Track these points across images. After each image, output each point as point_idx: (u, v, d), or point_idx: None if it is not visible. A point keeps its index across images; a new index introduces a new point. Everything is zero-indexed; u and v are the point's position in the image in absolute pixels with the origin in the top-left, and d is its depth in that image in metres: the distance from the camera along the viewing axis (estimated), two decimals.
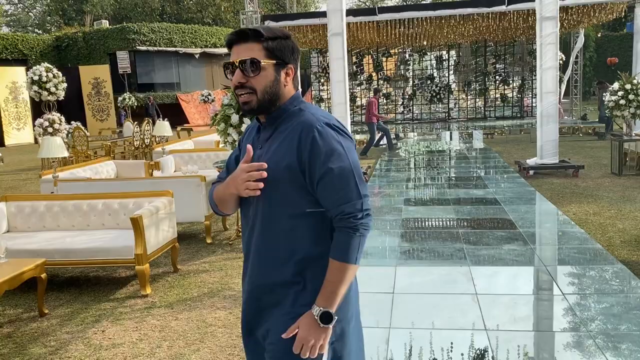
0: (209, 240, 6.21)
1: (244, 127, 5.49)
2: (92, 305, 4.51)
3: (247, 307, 1.76)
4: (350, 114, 14.50)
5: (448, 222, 6.54)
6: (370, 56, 22.35)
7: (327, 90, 21.72)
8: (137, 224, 4.57)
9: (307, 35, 16.43)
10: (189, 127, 20.38)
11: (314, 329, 1.58)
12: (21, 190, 10.16)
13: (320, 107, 23.55)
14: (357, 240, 1.58)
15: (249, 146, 1.64)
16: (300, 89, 1.85)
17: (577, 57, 18.56)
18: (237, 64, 1.59)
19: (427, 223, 6.59)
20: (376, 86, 20.64)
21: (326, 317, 1.58)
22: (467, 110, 22.29)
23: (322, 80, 22.22)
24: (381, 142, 13.74)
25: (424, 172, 10.45)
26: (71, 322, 4.19)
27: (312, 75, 22.70)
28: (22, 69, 20.78)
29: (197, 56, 26.92)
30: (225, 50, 28.02)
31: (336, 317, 1.60)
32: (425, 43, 21.07)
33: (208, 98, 19.91)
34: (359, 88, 22.41)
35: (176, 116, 21.94)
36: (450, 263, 5.07)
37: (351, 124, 9.89)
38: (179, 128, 18.65)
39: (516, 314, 3.90)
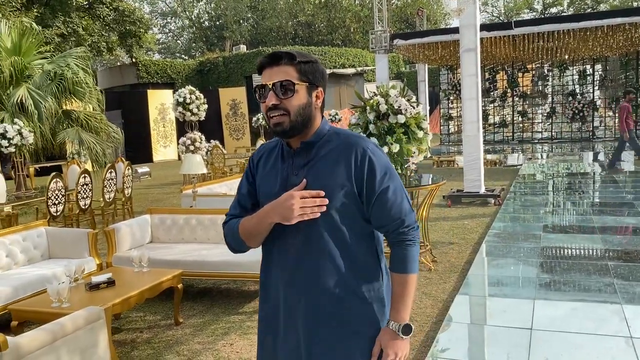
0: None
1: None
2: (222, 317, 4.67)
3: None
4: (483, 133, 13.87)
5: (594, 253, 5.89)
6: (504, 72, 21.34)
7: (457, 108, 21.09)
8: None
9: (437, 52, 16.10)
10: None
11: (399, 342, 1.65)
12: (165, 203, 11.02)
13: (449, 125, 22.91)
14: (416, 251, 1.68)
15: (304, 180, 1.61)
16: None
17: None
18: (270, 86, 1.60)
19: (569, 252, 5.99)
20: (629, 87, 18.17)
21: (407, 329, 1.65)
22: (615, 130, 20.32)
23: (451, 98, 21.64)
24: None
25: (564, 196, 9.60)
26: (203, 332, 4.36)
27: (441, 93, 22.21)
28: (169, 91, 22.82)
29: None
30: (352, 70, 28.30)
31: (413, 327, 1.68)
32: (566, 57, 19.64)
33: (335, 117, 20.28)
34: (491, 105, 21.48)
35: None
36: (598, 299, 4.52)
37: (484, 143, 9.41)
38: None
39: None
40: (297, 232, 1.62)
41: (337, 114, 20.75)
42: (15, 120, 8.53)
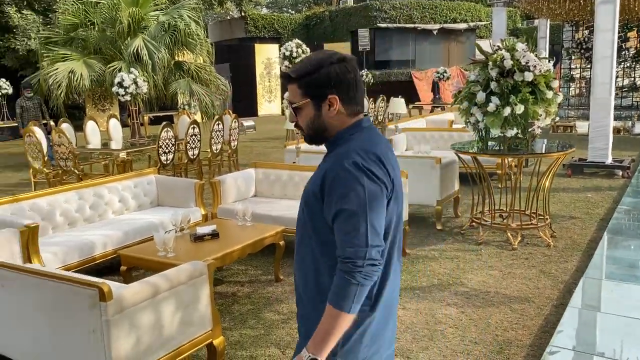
0: (439, 227, 5.83)
1: (491, 107, 4.92)
2: None
3: None
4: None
5: None
6: (638, 29, 19.03)
7: (580, 68, 19.25)
8: None
9: (565, 5, 14.57)
10: (420, 105, 20.16)
11: None
12: (269, 157, 11.12)
13: (570, 87, 21.02)
14: (354, 289, 1.47)
15: None
16: (364, 114, 1.67)
17: None
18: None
19: None
20: None
21: None
22: None
23: (573, 58, 19.75)
24: None
25: None
26: None
27: (562, 52, 20.34)
28: (275, 46, 22.91)
29: (435, 32, 26.38)
30: (464, 25, 26.70)
31: None
32: None
33: (443, 76, 19.30)
34: (620, 67, 19.35)
35: (408, 94, 21.86)
36: None
37: (614, 109, 8.37)
38: (410, 106, 18.54)
39: None
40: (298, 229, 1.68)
41: (445, 71, 19.74)
42: (131, 69, 8.84)
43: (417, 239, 5.52)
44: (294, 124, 1.66)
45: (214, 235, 4.13)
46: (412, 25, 26.13)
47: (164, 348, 2.71)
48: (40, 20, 15.82)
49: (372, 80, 21.47)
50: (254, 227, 4.46)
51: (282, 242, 4.44)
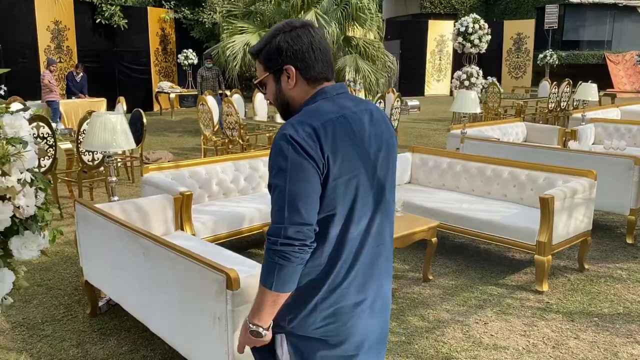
0: (629, 240, 4.86)
1: None
2: (477, 284, 4.00)
3: None
4: None
5: None
6: None
7: None
8: (546, 206, 3.73)
9: None
10: (612, 92, 17.70)
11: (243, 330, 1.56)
12: (430, 140, 10.53)
13: None
14: (272, 266, 1.43)
15: None
16: (331, 82, 1.57)
17: None
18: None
19: None
20: None
21: (244, 324, 1.55)
22: None
23: None
24: None
25: None
26: (453, 298, 3.77)
27: None
28: (450, 22, 21.77)
29: None
30: None
31: (258, 330, 1.51)
32: None
33: None
34: None
35: (599, 79, 19.33)
36: None
37: None
38: (601, 93, 16.32)
39: None
40: None
41: None
42: None
43: (599, 252, 4.65)
44: (268, 102, 1.63)
45: None
46: (611, 1, 23.01)
47: None
48: None
49: (556, 62, 19.44)
50: (404, 218, 4.05)
51: (434, 239, 3.98)
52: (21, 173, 1.42)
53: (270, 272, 1.42)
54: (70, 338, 3.21)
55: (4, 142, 1.38)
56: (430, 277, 4.05)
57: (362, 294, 1.55)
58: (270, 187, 1.45)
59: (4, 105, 1.44)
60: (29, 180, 1.42)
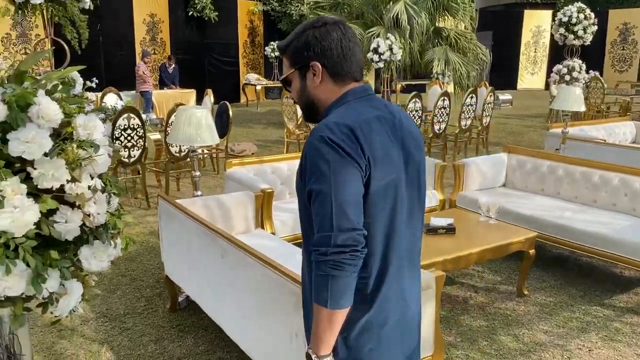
0: None
1: None
2: (580, 303, 3.60)
3: None
4: None
5: None
6: None
7: None
8: None
9: None
10: None
11: None
12: (523, 138, 9.89)
13: None
14: (324, 280, 1.30)
15: None
16: (359, 83, 1.47)
17: None
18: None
19: None
20: None
21: (307, 357, 1.39)
22: None
23: None
24: None
25: None
26: (551, 318, 3.40)
27: None
28: (549, 12, 20.47)
29: None
30: None
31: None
32: None
33: None
34: None
35: None
36: None
37: None
38: None
39: None
40: None
41: None
42: (388, 35, 8.56)
43: None
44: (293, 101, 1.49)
45: (450, 230, 3.54)
46: None
47: None
48: None
49: None
50: (498, 226, 3.73)
51: (532, 251, 3.62)
52: (92, 179, 1.31)
53: (323, 286, 1.31)
54: (150, 333, 3.21)
55: (75, 145, 1.28)
56: (526, 292, 3.70)
57: (404, 302, 1.47)
58: (310, 194, 1.34)
59: (76, 104, 1.34)
60: (99, 188, 1.32)
